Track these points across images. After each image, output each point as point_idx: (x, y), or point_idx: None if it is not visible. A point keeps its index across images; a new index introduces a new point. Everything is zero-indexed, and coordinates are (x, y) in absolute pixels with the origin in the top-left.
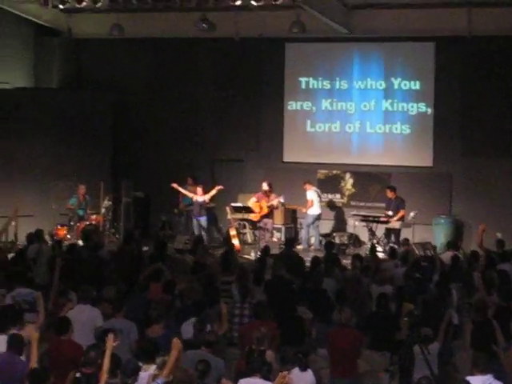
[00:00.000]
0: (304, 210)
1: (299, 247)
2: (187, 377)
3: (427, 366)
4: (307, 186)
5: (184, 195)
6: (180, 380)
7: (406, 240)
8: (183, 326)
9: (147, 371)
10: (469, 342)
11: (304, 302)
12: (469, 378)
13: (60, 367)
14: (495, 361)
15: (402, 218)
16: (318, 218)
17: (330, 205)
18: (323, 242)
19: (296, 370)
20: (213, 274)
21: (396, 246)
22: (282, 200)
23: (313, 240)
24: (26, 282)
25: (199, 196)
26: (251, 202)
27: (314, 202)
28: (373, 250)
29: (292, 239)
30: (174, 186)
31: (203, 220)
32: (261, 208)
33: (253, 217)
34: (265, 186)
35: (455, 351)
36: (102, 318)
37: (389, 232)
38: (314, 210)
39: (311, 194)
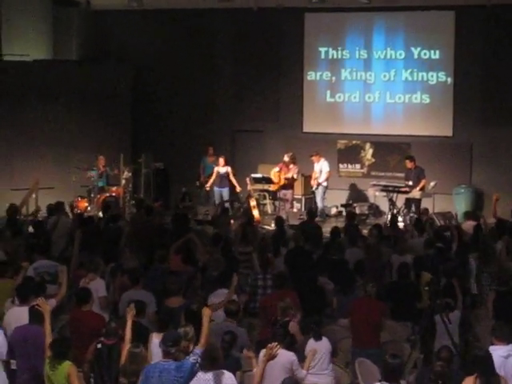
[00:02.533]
0: (319, 181)
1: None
2: (212, 348)
3: (448, 335)
4: (318, 158)
5: (204, 167)
6: (207, 350)
7: (426, 210)
8: (211, 298)
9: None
10: (491, 311)
11: (325, 273)
12: (491, 348)
13: (82, 338)
14: None
15: (423, 188)
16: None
17: (350, 175)
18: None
19: (311, 341)
20: (231, 245)
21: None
22: (295, 176)
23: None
24: (46, 253)
25: (221, 167)
26: (273, 172)
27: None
28: (393, 220)
29: (313, 210)
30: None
31: (225, 191)
32: (279, 179)
33: (271, 187)
34: (285, 158)
35: (475, 320)
36: (105, 288)
37: (409, 202)
38: (326, 181)
39: (326, 164)
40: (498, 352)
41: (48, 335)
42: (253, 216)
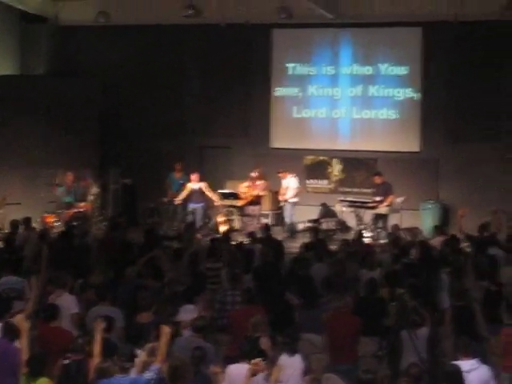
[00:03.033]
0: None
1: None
2: (182, 363)
3: (415, 351)
4: (285, 174)
5: (170, 184)
6: (175, 366)
7: (396, 225)
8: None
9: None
10: (449, 327)
11: (291, 288)
12: (455, 363)
13: (50, 354)
14: (477, 346)
15: (390, 203)
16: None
17: (317, 191)
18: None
19: (284, 356)
20: (199, 261)
21: (385, 232)
22: (261, 193)
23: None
24: (13, 270)
25: (195, 183)
26: (243, 186)
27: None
28: (359, 235)
29: (268, 225)
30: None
31: (199, 207)
32: (247, 195)
33: (239, 203)
34: (252, 174)
35: (444, 336)
36: (76, 305)
37: (376, 218)
38: (295, 198)
39: (294, 181)
40: (462, 367)
41: (25, 352)
42: (224, 232)
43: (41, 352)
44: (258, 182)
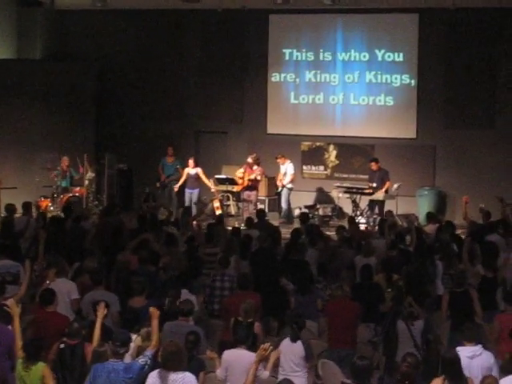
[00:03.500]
0: (284, 183)
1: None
2: (176, 348)
3: (411, 338)
4: (283, 160)
5: (163, 168)
6: (170, 352)
7: (390, 212)
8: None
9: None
10: (445, 313)
11: (286, 274)
12: (458, 349)
13: (46, 338)
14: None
15: (387, 190)
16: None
17: (314, 177)
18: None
19: (286, 341)
20: (196, 246)
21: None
22: (258, 177)
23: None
24: (11, 254)
25: (191, 168)
26: (238, 173)
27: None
28: (352, 221)
29: (263, 210)
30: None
31: (195, 192)
32: (243, 180)
33: (235, 188)
34: (249, 159)
35: (438, 322)
36: (76, 291)
37: (372, 204)
38: (291, 183)
39: (291, 167)
40: (463, 353)
41: (17, 338)
42: (220, 217)
43: (37, 337)
44: (255, 168)
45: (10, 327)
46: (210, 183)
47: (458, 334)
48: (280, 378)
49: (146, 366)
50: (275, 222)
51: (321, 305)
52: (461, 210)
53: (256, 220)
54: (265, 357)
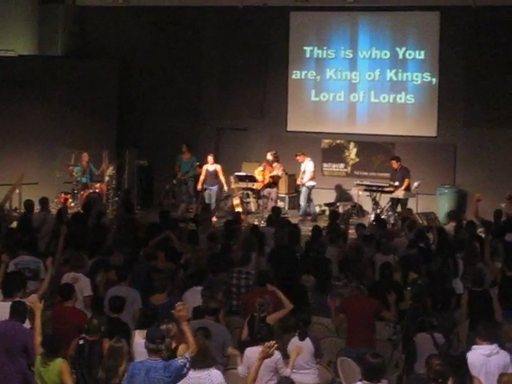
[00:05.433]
0: (303, 181)
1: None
2: (202, 346)
3: (430, 336)
4: (303, 157)
5: (180, 165)
6: (198, 351)
7: (409, 210)
8: (185, 294)
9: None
10: (465, 312)
11: (307, 271)
12: (475, 347)
13: (64, 334)
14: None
15: (408, 187)
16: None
17: (334, 174)
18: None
19: (295, 339)
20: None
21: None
22: (279, 173)
23: (313, 209)
24: (30, 249)
25: (210, 165)
26: (257, 171)
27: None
28: (378, 219)
29: (279, 208)
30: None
31: (214, 189)
32: (264, 177)
33: (256, 186)
34: (268, 156)
35: (458, 321)
36: (90, 288)
37: (393, 202)
38: (313, 181)
39: (311, 165)
40: (479, 351)
41: (38, 333)
42: (238, 214)
43: (57, 333)
44: (274, 165)
45: (25, 325)
46: (224, 182)
47: (476, 333)
48: (293, 375)
49: (185, 368)
50: (294, 220)
51: (333, 303)
52: (472, 208)
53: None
54: (269, 354)
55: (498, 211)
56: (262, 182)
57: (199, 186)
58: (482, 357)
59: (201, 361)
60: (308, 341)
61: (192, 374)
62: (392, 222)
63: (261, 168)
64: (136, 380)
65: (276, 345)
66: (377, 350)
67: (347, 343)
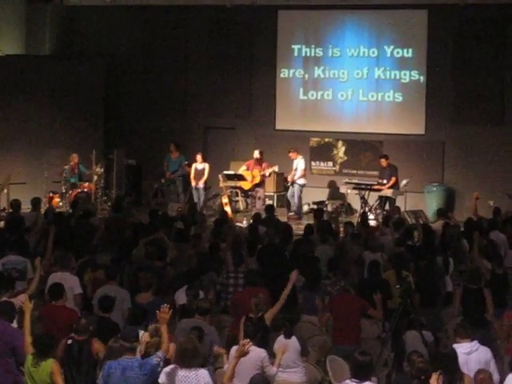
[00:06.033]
0: (294, 178)
1: (291, 214)
2: (192, 346)
3: (419, 334)
4: (295, 154)
5: (168, 164)
6: (185, 349)
7: (395, 208)
8: (177, 294)
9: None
10: (457, 308)
11: (296, 269)
12: (455, 346)
13: (54, 333)
14: (481, 329)
15: (394, 185)
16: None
17: (322, 173)
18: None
19: (281, 338)
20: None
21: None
22: (276, 169)
23: (303, 208)
24: (17, 249)
25: (199, 163)
26: (241, 171)
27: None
28: (363, 217)
29: (272, 206)
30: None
31: (202, 188)
32: (253, 176)
33: (244, 185)
34: (256, 154)
35: (447, 318)
36: (79, 286)
37: (382, 200)
38: (303, 179)
39: (303, 162)
40: (460, 349)
41: (27, 333)
42: (226, 213)
43: (48, 333)
44: (264, 164)
45: (12, 324)
46: (206, 180)
47: (455, 332)
48: (278, 374)
49: (159, 366)
50: (283, 218)
51: (320, 302)
52: (471, 206)
53: (264, 216)
54: (244, 353)
55: (497, 208)
56: (251, 181)
57: (193, 183)
58: (462, 355)
59: (189, 360)
60: (294, 339)
61: (180, 372)
62: (380, 220)
63: (244, 167)
64: (112, 379)
65: (250, 343)
66: (365, 348)
67: (333, 341)
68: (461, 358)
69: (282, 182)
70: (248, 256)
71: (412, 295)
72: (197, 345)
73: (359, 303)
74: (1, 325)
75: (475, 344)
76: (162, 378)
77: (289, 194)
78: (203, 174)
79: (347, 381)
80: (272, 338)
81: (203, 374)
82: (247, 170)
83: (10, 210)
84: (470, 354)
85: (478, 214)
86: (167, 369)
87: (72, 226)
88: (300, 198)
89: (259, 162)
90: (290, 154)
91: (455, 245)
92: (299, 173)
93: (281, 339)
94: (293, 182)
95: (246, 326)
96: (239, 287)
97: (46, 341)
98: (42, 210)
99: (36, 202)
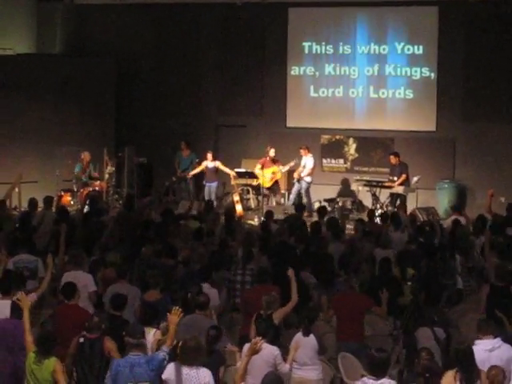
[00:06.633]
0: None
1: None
2: (196, 344)
3: (431, 331)
4: (306, 152)
5: (179, 162)
6: (189, 346)
7: (401, 205)
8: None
9: (149, 333)
10: (483, 306)
11: (307, 267)
12: (476, 342)
13: (66, 332)
14: (503, 327)
15: (403, 182)
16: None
17: (333, 170)
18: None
19: (299, 335)
20: (225, 240)
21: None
22: (292, 164)
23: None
24: (29, 248)
25: (209, 161)
26: (257, 169)
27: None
28: (370, 214)
29: (302, 205)
30: (189, 175)
31: (214, 185)
32: (273, 173)
33: (264, 183)
34: (272, 153)
35: (460, 315)
36: (94, 283)
37: (393, 197)
38: (310, 177)
39: (312, 161)
40: (481, 346)
41: (27, 330)
42: (235, 210)
43: (51, 331)
44: (277, 164)
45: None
46: (231, 172)
47: (478, 328)
48: (294, 371)
49: (165, 360)
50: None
51: (326, 299)
52: (484, 203)
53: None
54: (256, 351)
55: (510, 205)
56: (272, 179)
57: (189, 176)
58: (484, 352)
59: (192, 358)
60: (312, 337)
61: (182, 368)
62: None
63: (258, 165)
64: (120, 377)
65: (262, 341)
66: (375, 345)
67: (337, 339)
68: (482, 355)
69: (292, 180)
70: (260, 254)
71: (421, 292)
72: (200, 343)
73: (362, 300)
74: (13, 323)
75: (498, 341)
76: (165, 374)
77: (294, 190)
78: (214, 171)
79: (364, 378)
80: (283, 335)
81: (204, 373)
82: (262, 168)
83: (23, 209)
84: (492, 352)
85: (491, 211)
86: (170, 365)
87: (85, 224)
88: (309, 195)
89: (274, 160)
90: (301, 151)
91: (464, 242)
92: (307, 170)
93: (299, 336)
94: (299, 179)
95: (258, 323)
96: (246, 284)
97: (49, 339)
98: (50, 208)
99: (47, 201)
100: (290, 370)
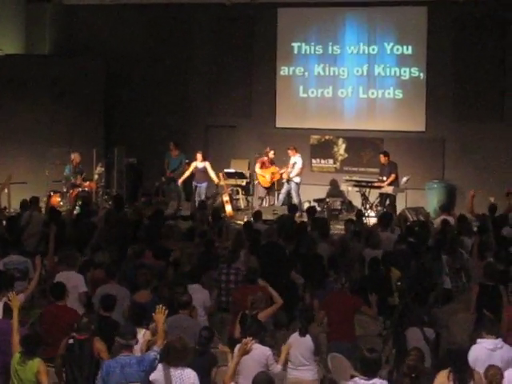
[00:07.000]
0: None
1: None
2: (181, 345)
3: (420, 331)
4: (294, 152)
5: (169, 163)
6: (174, 347)
7: (389, 206)
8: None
9: (139, 334)
10: (473, 306)
11: (296, 268)
12: (479, 341)
13: (56, 332)
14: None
15: (392, 182)
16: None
17: (323, 170)
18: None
19: (295, 335)
20: (212, 241)
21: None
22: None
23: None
24: (19, 249)
25: (199, 162)
26: (257, 169)
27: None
28: (359, 215)
29: (295, 206)
30: (180, 181)
31: (203, 186)
32: (273, 174)
33: (263, 183)
34: (271, 155)
35: (448, 315)
36: (84, 284)
37: (382, 197)
38: (299, 177)
39: (301, 161)
40: (484, 345)
41: (15, 331)
42: (225, 211)
43: (36, 332)
44: (274, 165)
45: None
46: (215, 178)
47: (479, 327)
48: (289, 371)
49: (157, 360)
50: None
51: (315, 301)
52: (467, 204)
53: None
54: (246, 351)
55: (493, 205)
56: (272, 179)
57: (180, 181)
58: (486, 351)
59: (177, 359)
60: (308, 337)
61: (168, 369)
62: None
63: (258, 165)
64: (112, 378)
65: (253, 341)
66: (365, 345)
67: (328, 339)
68: (484, 354)
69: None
70: (249, 254)
71: (410, 292)
72: (186, 344)
73: (352, 300)
74: (6, 323)
75: (500, 342)
76: (152, 375)
77: (283, 190)
78: (204, 172)
79: (356, 379)
80: (271, 335)
81: (188, 374)
82: (261, 167)
83: (12, 210)
84: (495, 351)
85: (474, 212)
86: (159, 366)
87: (75, 225)
88: (299, 196)
89: (273, 161)
90: (289, 151)
91: (452, 242)
92: (296, 171)
93: (295, 336)
94: (288, 180)
95: (248, 323)
96: (230, 283)
97: (34, 340)
98: (38, 209)
99: (32, 202)
100: (281, 370)
